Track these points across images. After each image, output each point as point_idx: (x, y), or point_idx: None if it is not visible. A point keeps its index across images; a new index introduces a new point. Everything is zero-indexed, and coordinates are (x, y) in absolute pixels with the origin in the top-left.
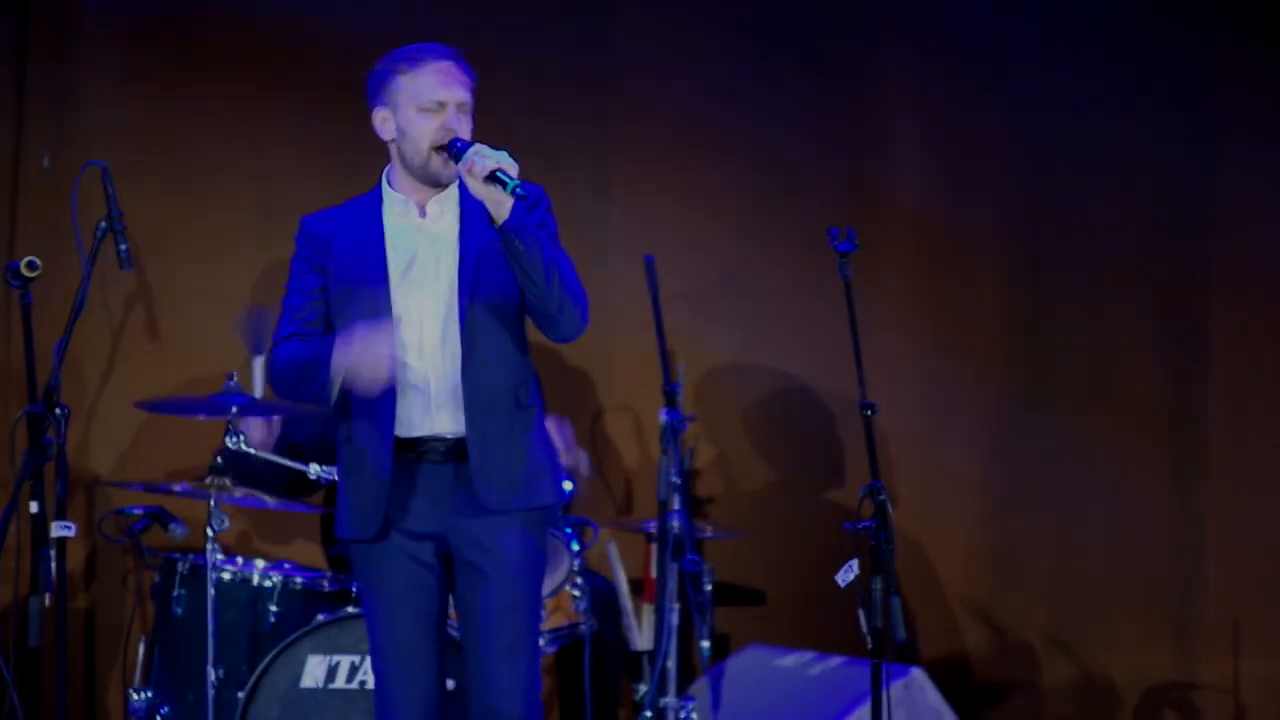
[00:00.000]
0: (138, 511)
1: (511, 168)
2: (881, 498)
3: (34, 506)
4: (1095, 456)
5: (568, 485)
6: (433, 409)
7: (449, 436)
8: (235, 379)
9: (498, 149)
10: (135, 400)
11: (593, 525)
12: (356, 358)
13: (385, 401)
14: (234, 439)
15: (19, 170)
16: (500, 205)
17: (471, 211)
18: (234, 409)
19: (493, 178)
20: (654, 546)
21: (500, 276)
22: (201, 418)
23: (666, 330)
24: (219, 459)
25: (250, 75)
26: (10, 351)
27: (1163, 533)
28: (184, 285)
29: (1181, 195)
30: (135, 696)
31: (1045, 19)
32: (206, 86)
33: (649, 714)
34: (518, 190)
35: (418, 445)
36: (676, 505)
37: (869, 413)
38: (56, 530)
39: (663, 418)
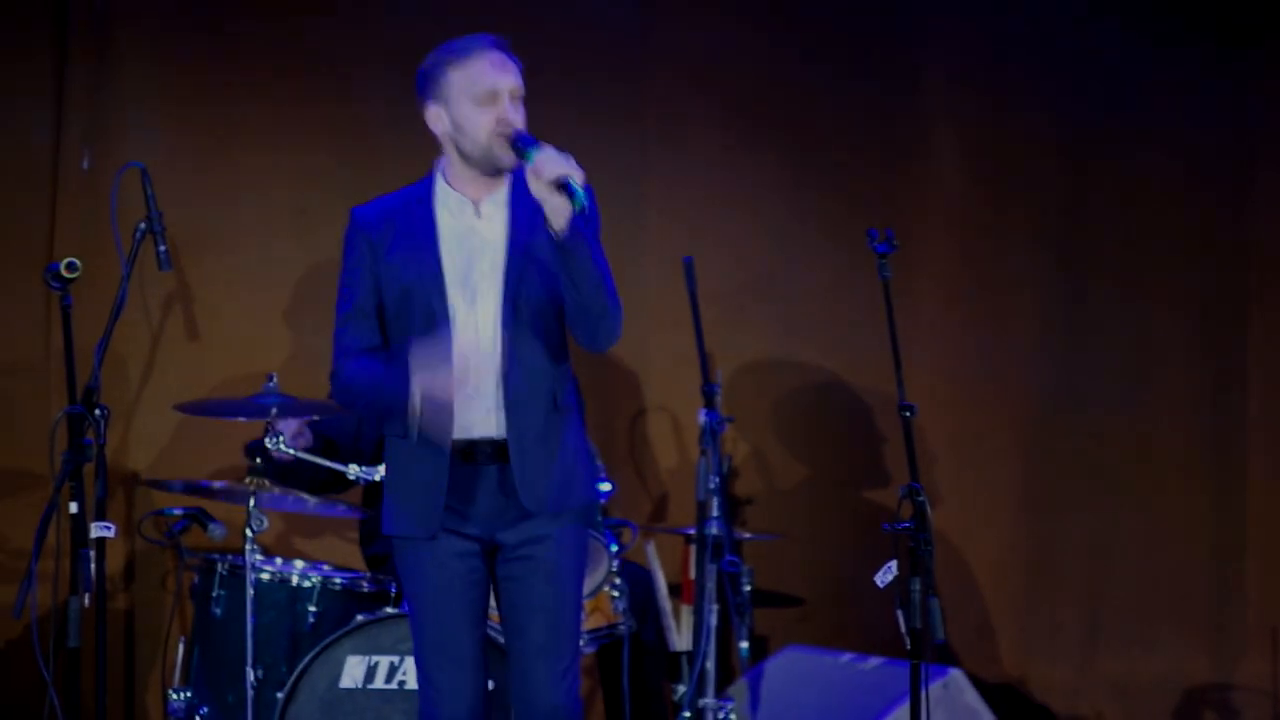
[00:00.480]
0: (177, 512)
1: (578, 175)
2: (920, 499)
3: (74, 507)
4: (1130, 458)
5: (605, 486)
6: (484, 411)
7: (495, 438)
8: (274, 380)
9: (561, 151)
10: (174, 401)
11: (631, 526)
12: (427, 393)
13: (446, 403)
14: (273, 440)
15: (58, 171)
16: (560, 213)
17: (520, 212)
18: (273, 410)
19: (559, 185)
20: (692, 548)
21: (543, 280)
22: (241, 420)
23: (704, 331)
24: (258, 459)
25: (288, 75)
26: (50, 353)
27: (1200, 534)
28: (223, 285)
29: (1221, 197)
30: (174, 697)
31: (1084, 19)
32: (245, 86)
33: (687, 714)
34: (584, 205)
35: (469, 447)
36: (715, 507)
37: (908, 414)
38: (96, 531)
39: (701, 419)
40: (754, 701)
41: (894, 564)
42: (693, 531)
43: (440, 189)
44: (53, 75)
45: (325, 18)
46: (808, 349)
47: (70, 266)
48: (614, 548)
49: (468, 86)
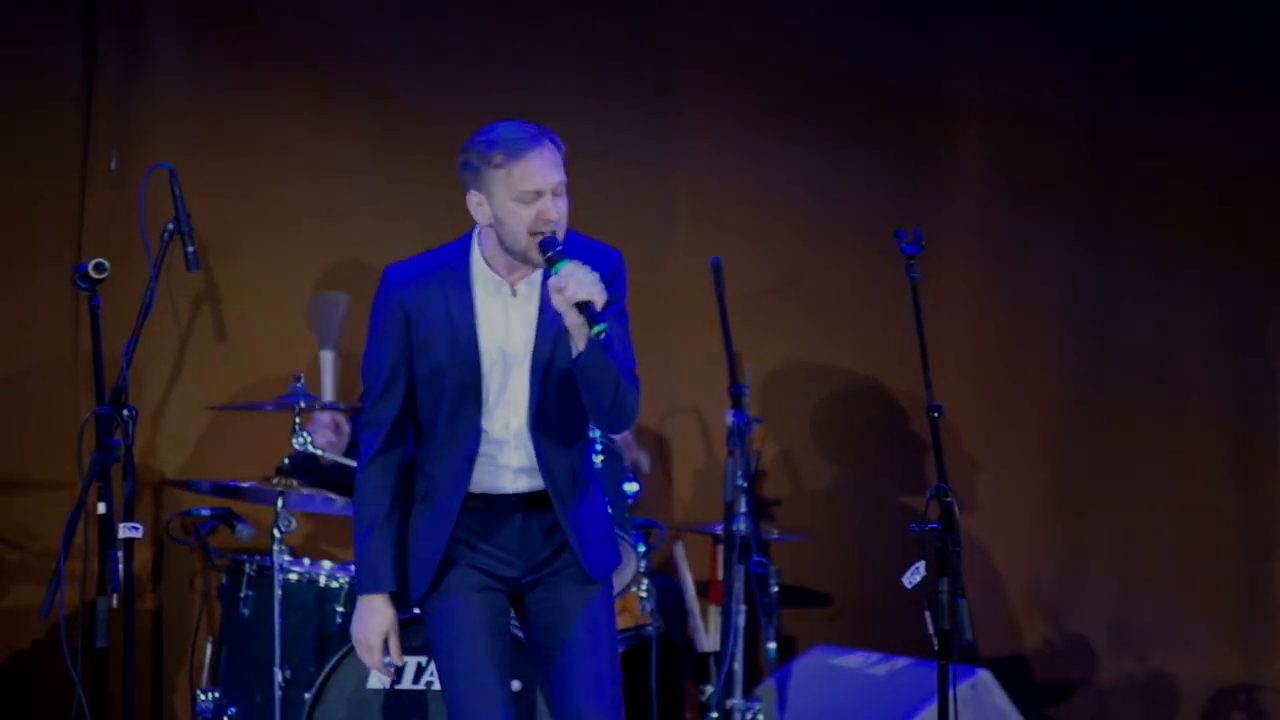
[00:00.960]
0: (205, 513)
1: (600, 299)
2: (948, 499)
3: (102, 508)
4: (1160, 457)
5: (632, 487)
6: (509, 477)
7: (523, 492)
8: (302, 380)
9: (588, 268)
10: (202, 401)
11: (659, 527)
12: (358, 645)
13: (465, 474)
14: (301, 440)
15: (87, 173)
16: (579, 331)
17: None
18: (301, 407)
19: (580, 307)
20: (720, 548)
21: (568, 365)
22: (269, 408)
23: (732, 332)
24: (286, 460)
25: (316, 77)
26: (78, 353)
27: (1229, 534)
28: (251, 286)
29: (1249, 193)
30: (202, 697)
31: (1112, 20)
32: (272, 89)
33: (715, 715)
34: (603, 335)
35: (489, 497)
36: (743, 507)
37: (936, 414)
38: (124, 531)
39: (729, 419)
40: (781, 702)
41: (922, 564)
42: (720, 532)
43: (477, 264)
44: (81, 77)
45: (354, 18)
46: (836, 349)
47: (98, 267)
48: (641, 548)
49: (512, 188)
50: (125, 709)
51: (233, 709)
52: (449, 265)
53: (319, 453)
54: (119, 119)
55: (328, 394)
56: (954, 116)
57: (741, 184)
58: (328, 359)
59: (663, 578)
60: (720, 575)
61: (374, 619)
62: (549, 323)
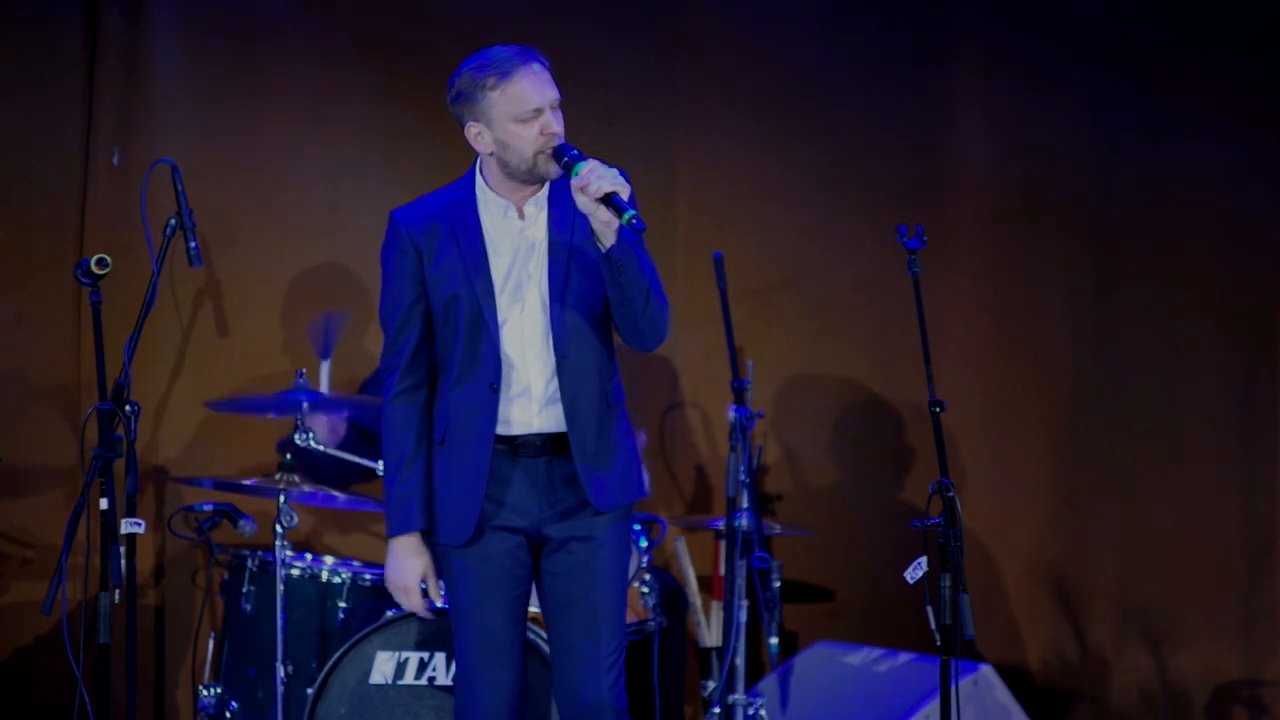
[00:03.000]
0: (207, 508)
1: (625, 190)
2: (950, 494)
3: (104, 503)
4: (1162, 453)
5: None
6: (534, 410)
7: (544, 433)
8: (304, 376)
9: (611, 166)
10: (204, 397)
11: (661, 522)
12: (390, 589)
13: (486, 410)
14: (303, 436)
15: (89, 168)
16: (608, 227)
17: (561, 213)
18: (304, 405)
19: (607, 200)
20: (722, 544)
21: (589, 280)
22: (272, 415)
23: (734, 327)
24: (288, 455)
25: (319, 72)
26: (80, 349)
27: (1231, 530)
28: (253, 282)
29: (1253, 190)
30: (205, 693)
31: (1117, 14)
32: (275, 83)
33: (717, 710)
34: (634, 221)
35: (515, 440)
36: (745, 502)
37: (938, 410)
38: (126, 527)
39: (731, 414)
40: (784, 697)
41: (924, 560)
42: (722, 527)
43: (482, 192)
44: (83, 72)
45: (356, 13)
46: (838, 344)
47: (100, 263)
48: (644, 543)
49: (510, 109)
50: (127, 705)
51: (235, 704)
52: (454, 200)
53: (321, 448)
54: (121, 115)
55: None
56: (957, 112)
57: (744, 179)
58: (325, 367)
59: (665, 573)
60: (722, 570)
61: (410, 561)
62: (561, 240)
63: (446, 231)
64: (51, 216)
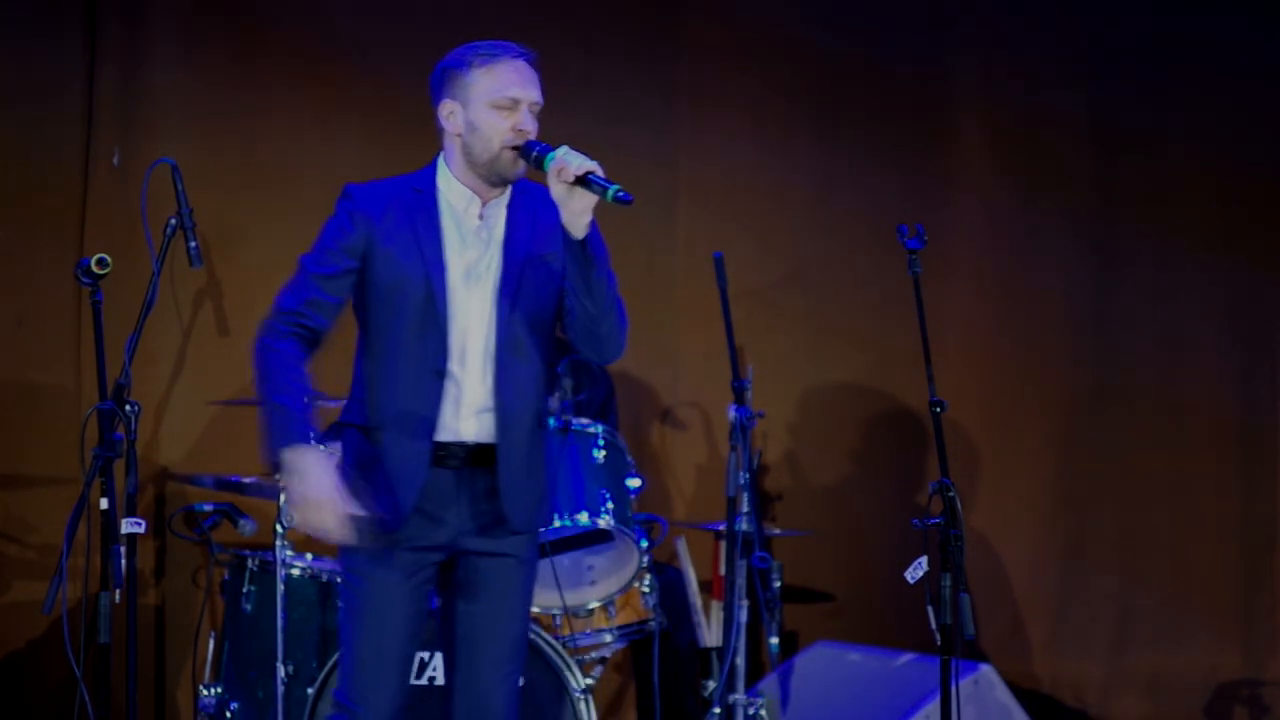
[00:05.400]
0: (208, 508)
1: (599, 169)
2: (951, 494)
3: (104, 503)
4: (1162, 454)
5: (634, 482)
6: (465, 415)
7: (469, 442)
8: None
9: (583, 154)
10: (204, 397)
11: (661, 522)
12: (304, 511)
13: (428, 402)
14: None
15: (89, 168)
16: (582, 214)
17: (518, 219)
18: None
19: (584, 181)
20: (723, 544)
21: (539, 290)
22: None
23: (734, 327)
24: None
25: (318, 69)
26: (81, 348)
27: (1231, 530)
28: (253, 281)
29: (1252, 190)
30: (205, 693)
31: (1116, 13)
32: (274, 82)
33: (718, 710)
34: (620, 195)
35: (441, 447)
36: (745, 503)
37: (938, 409)
38: (127, 527)
39: (731, 414)
40: (784, 697)
41: (924, 560)
42: (723, 527)
43: (444, 183)
44: (83, 72)
45: (354, 10)
46: (838, 344)
47: (101, 263)
48: (644, 543)
49: (490, 90)
50: (127, 705)
51: (235, 704)
52: (413, 187)
53: (321, 448)
54: (121, 114)
55: None
56: (958, 111)
57: (744, 178)
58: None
59: (665, 572)
60: (722, 570)
61: (320, 468)
62: (519, 245)
63: (403, 212)
64: (51, 216)
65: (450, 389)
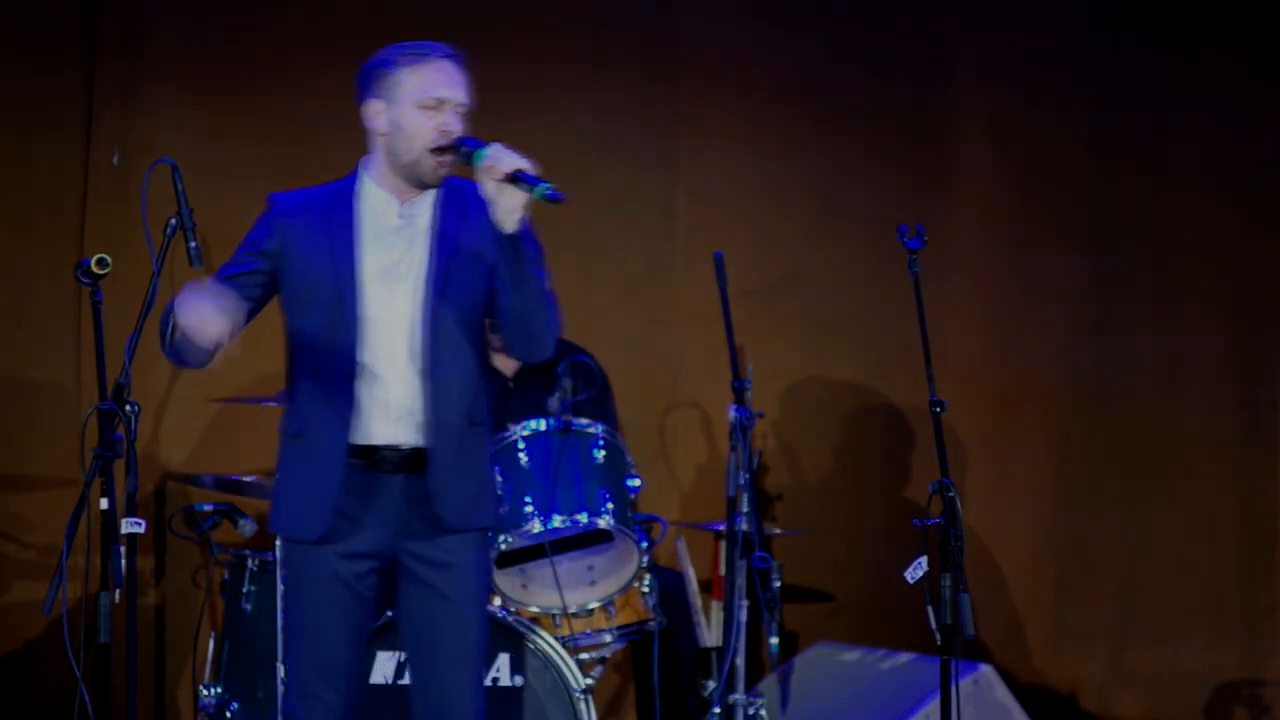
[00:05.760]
0: (208, 508)
1: (530, 168)
2: (951, 494)
3: (104, 503)
4: (1161, 454)
5: (635, 482)
6: (392, 418)
7: (403, 447)
8: None
9: (510, 148)
10: (204, 397)
11: (661, 522)
12: (185, 315)
13: (342, 404)
14: None
15: (89, 167)
16: (513, 211)
17: (447, 216)
18: None
19: (514, 179)
20: (722, 544)
21: (467, 288)
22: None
23: (734, 327)
24: None
25: (319, 69)
26: (81, 349)
27: (1231, 531)
28: None
29: (1251, 195)
30: (205, 693)
31: (1117, 19)
32: (275, 81)
33: (717, 710)
34: (550, 193)
35: (371, 454)
36: (745, 503)
37: (938, 409)
38: (127, 527)
39: (731, 414)
40: (784, 697)
41: (924, 560)
42: (723, 527)
43: (365, 186)
44: (83, 72)
45: (355, 11)
46: (838, 345)
47: (101, 262)
48: (644, 543)
49: (416, 90)
50: (127, 705)
51: (235, 704)
52: (335, 191)
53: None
54: (121, 114)
55: None
56: (958, 114)
57: (744, 179)
58: None
59: (665, 572)
60: (722, 570)
61: (200, 286)
62: (447, 240)
63: (319, 216)
64: (52, 216)
65: (376, 393)
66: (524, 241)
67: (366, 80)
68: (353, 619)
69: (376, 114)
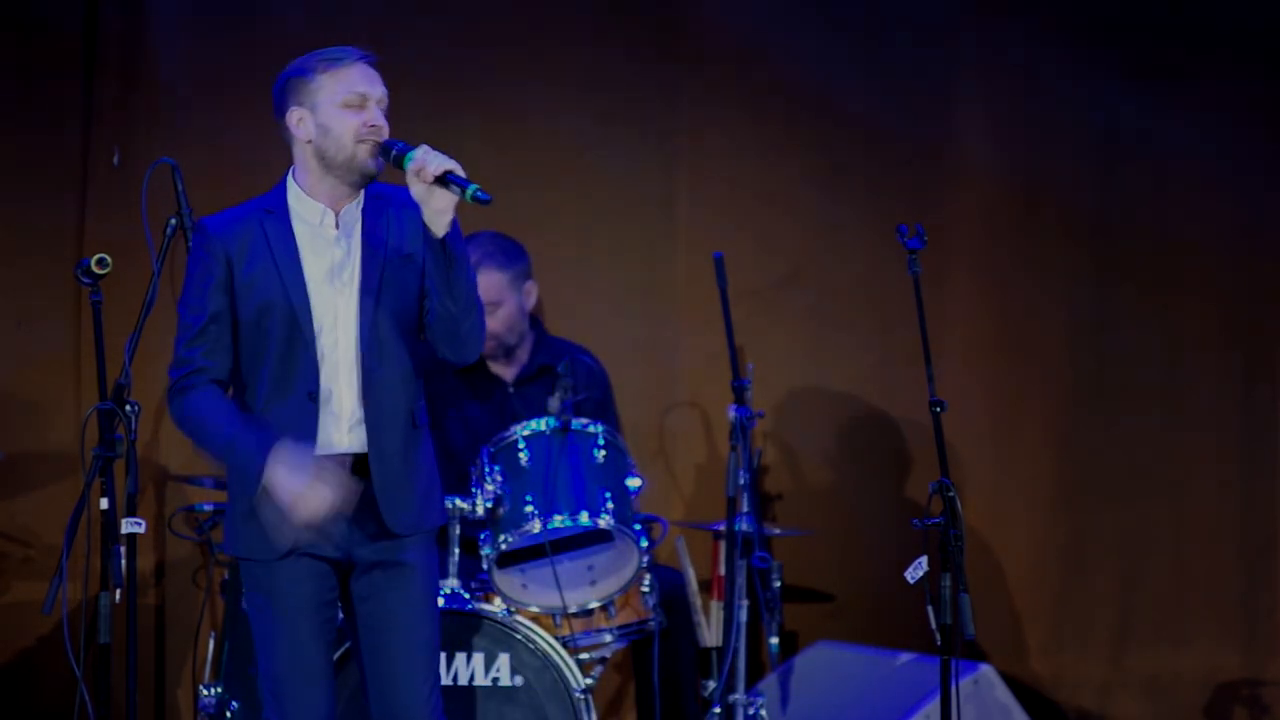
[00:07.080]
0: (208, 508)
1: (459, 169)
2: (951, 494)
3: (104, 503)
4: (1162, 453)
5: (635, 482)
6: (344, 429)
7: (354, 453)
8: None
9: (443, 153)
10: None
11: (661, 522)
12: (291, 504)
13: (307, 417)
14: None
15: (89, 167)
16: (442, 213)
17: (375, 223)
18: None
19: (443, 180)
20: (722, 544)
21: (400, 292)
22: None
23: (734, 327)
24: None
25: None
26: (81, 349)
27: (1231, 530)
28: None
29: (1251, 195)
30: (205, 693)
31: (1117, 17)
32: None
33: (718, 709)
34: (479, 194)
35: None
36: (745, 503)
37: (938, 409)
38: (127, 527)
39: (731, 414)
40: (784, 697)
41: (924, 560)
42: (723, 527)
43: (294, 199)
44: (83, 71)
45: (357, 10)
46: (838, 344)
47: (101, 263)
48: (644, 543)
49: (338, 91)
50: (128, 705)
51: (235, 704)
52: (264, 209)
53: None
54: (121, 114)
55: None
56: (957, 113)
57: (744, 179)
58: None
59: (665, 572)
60: (722, 570)
61: (298, 462)
62: (377, 250)
63: (259, 238)
64: (52, 216)
65: (332, 405)
66: (454, 244)
67: (283, 91)
68: (320, 622)
69: (300, 120)
